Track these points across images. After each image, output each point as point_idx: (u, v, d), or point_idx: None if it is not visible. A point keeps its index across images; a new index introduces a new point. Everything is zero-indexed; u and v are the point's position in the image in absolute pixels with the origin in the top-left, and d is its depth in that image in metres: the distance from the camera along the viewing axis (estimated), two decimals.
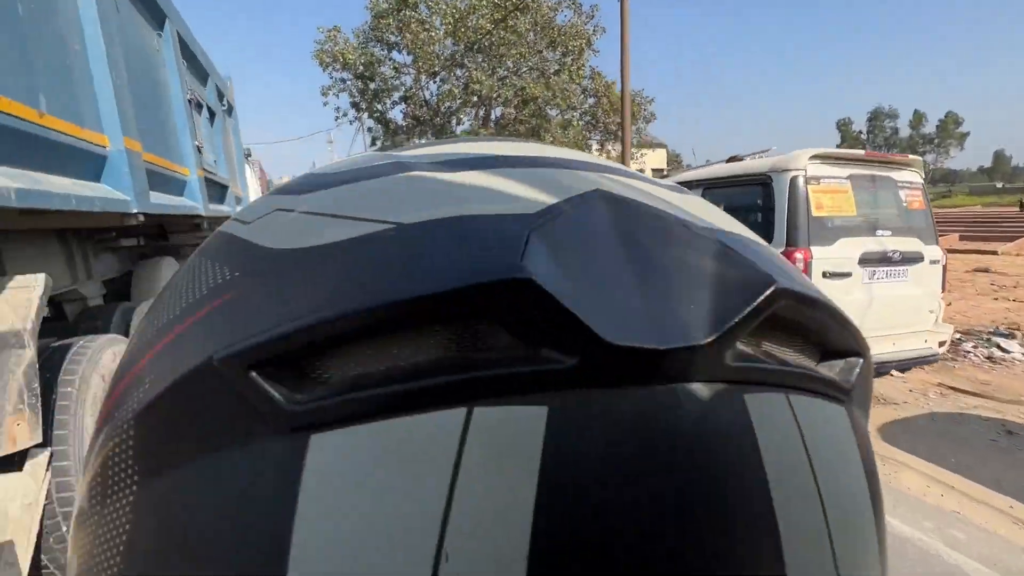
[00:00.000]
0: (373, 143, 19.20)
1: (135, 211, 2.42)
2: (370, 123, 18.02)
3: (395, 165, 0.24)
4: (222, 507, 0.16)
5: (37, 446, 1.26)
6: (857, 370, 0.22)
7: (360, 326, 0.16)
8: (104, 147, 2.28)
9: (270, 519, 0.15)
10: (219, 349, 0.17)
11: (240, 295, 0.19)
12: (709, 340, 0.16)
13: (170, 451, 0.18)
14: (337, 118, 17.17)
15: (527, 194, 0.21)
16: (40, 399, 1.27)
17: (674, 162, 35.26)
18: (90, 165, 2.21)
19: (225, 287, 0.20)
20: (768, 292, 0.18)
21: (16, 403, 1.18)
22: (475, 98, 15.18)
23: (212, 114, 5.76)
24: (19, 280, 1.34)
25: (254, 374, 0.16)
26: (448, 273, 0.16)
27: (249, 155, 9.07)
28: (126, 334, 2.43)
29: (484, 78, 13.94)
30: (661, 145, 31.27)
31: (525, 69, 14.97)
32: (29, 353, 1.24)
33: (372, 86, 16.02)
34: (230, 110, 7.25)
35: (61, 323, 2.55)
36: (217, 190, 5.46)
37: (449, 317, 0.17)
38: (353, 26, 15.67)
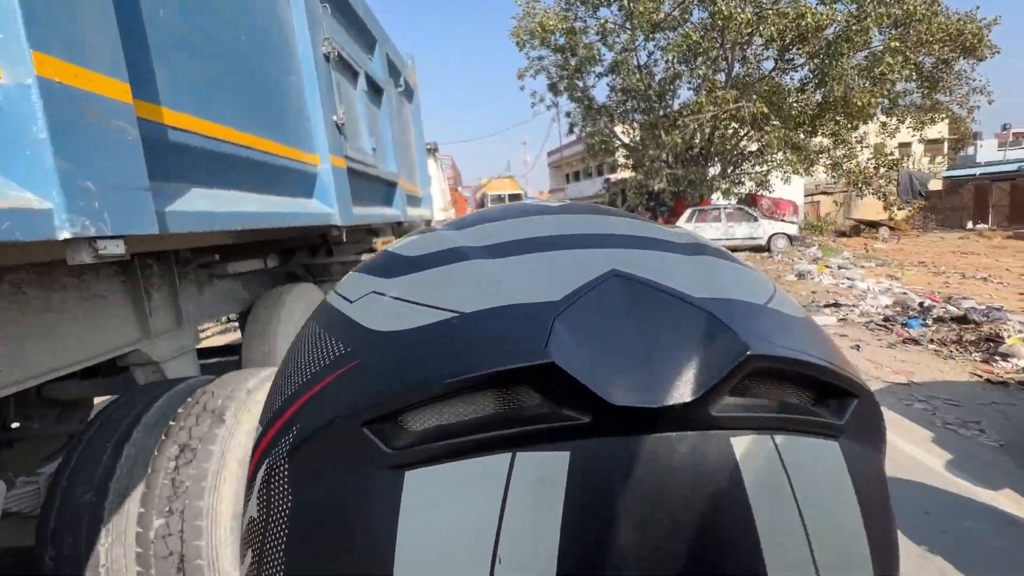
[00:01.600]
0: (571, 131, 17.45)
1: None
2: (569, 107, 16.20)
3: (452, 253, 0.31)
4: (344, 519, 0.23)
5: None
6: (851, 408, 0.26)
7: (435, 394, 0.23)
8: None
9: (380, 531, 0.22)
10: (342, 411, 0.24)
11: (354, 367, 0.26)
12: (693, 399, 0.21)
13: (312, 476, 0.25)
14: (533, 104, 16.01)
15: (555, 280, 0.26)
16: None
17: (956, 131, 24.43)
18: None
19: (343, 359, 0.27)
20: (741, 360, 0.22)
21: None
22: (714, 47, 11.67)
23: (378, 91, 4.26)
24: None
25: (366, 430, 0.23)
26: (496, 356, 0.23)
27: (435, 150, 7.87)
28: None
29: (735, 9, 10.44)
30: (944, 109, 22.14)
31: None
32: None
33: (573, 61, 14.05)
34: (409, 93, 5.89)
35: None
36: (375, 188, 3.88)
37: (496, 387, 0.23)
38: None
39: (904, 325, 5.10)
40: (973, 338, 4.47)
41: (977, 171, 19.99)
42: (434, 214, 7.86)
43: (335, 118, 2.96)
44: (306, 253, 3.60)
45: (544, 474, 0.21)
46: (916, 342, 4.72)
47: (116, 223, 1.07)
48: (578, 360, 0.22)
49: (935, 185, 20.29)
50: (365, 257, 4.07)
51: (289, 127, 2.58)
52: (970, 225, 18.50)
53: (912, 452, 2.84)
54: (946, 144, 24.22)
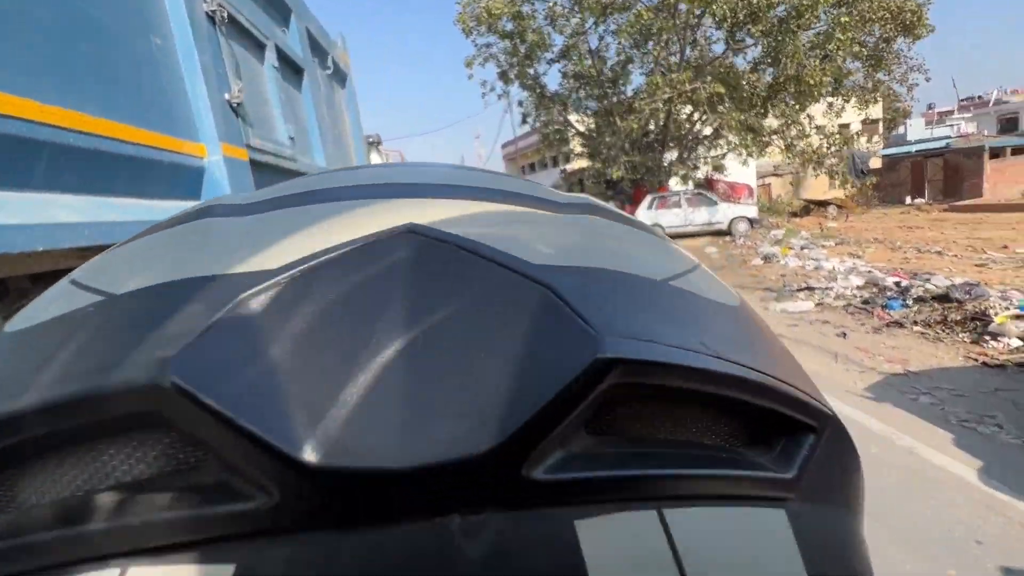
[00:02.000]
0: (524, 121, 16.99)
1: None
2: (520, 96, 15.71)
3: (200, 211, 0.21)
4: None
5: None
6: (804, 452, 0.16)
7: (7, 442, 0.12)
8: None
9: None
10: None
11: None
12: (490, 448, 0.11)
13: None
14: (484, 94, 15.36)
15: (302, 240, 0.16)
16: None
17: (890, 110, 25.23)
18: None
19: None
20: (585, 368, 0.12)
21: None
22: (666, 29, 11.39)
23: (297, 70, 3.60)
24: None
25: None
26: (77, 374, 0.12)
27: (379, 143, 7.20)
28: None
29: None
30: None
31: None
32: None
33: (522, 48, 13.54)
34: (341, 77, 5.19)
35: None
36: None
37: (82, 436, 0.12)
38: None
39: (885, 307, 4.88)
40: (959, 318, 4.26)
41: (912, 148, 20.95)
42: None
43: (228, 96, 2.31)
44: None
45: None
46: (900, 324, 4.49)
47: None
48: (247, 381, 0.11)
49: (875, 163, 21.20)
50: None
51: (157, 107, 1.93)
52: (909, 200, 19.38)
53: (940, 462, 2.49)
54: (882, 124, 25.33)
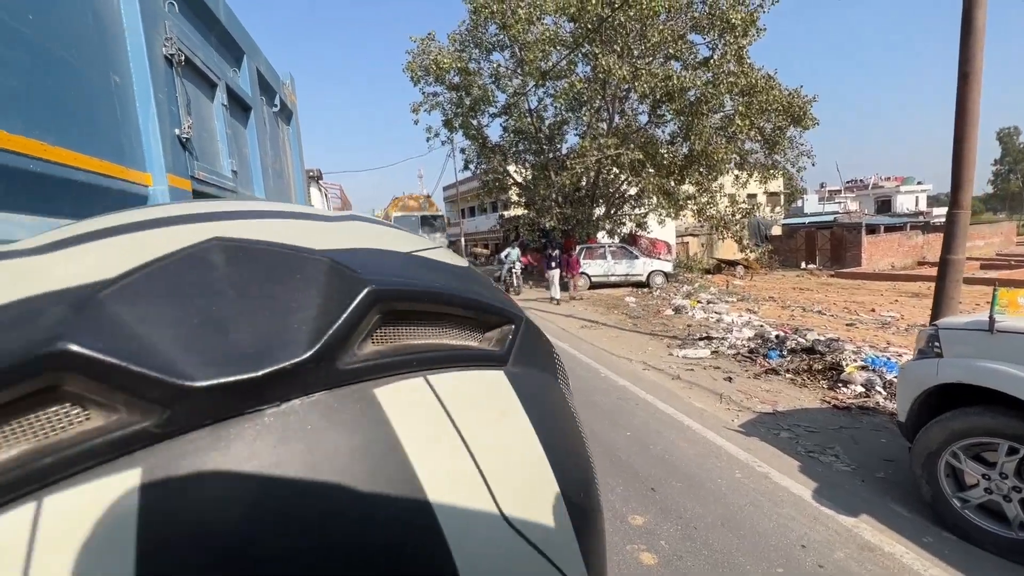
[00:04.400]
0: (466, 167, 17.64)
1: None
2: (464, 143, 16.39)
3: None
4: None
5: None
6: (508, 338, 0.25)
7: None
8: None
9: None
10: None
11: None
12: (311, 352, 0.18)
13: None
14: (429, 139, 15.90)
15: (119, 260, 0.20)
16: None
17: (790, 186, 29.27)
18: None
19: None
20: (361, 297, 0.19)
21: None
22: (597, 97, 12.55)
23: (245, 108, 3.78)
24: None
25: None
26: None
27: (319, 177, 7.33)
28: None
29: (614, 65, 11.25)
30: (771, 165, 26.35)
31: (661, 59, 12.15)
32: None
33: (467, 100, 14.30)
34: (287, 114, 5.39)
35: None
36: None
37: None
38: (450, 30, 13.76)
39: (765, 356, 5.60)
40: (820, 367, 5.01)
41: (806, 220, 23.81)
42: None
43: (178, 131, 2.49)
44: None
45: (98, 518, 0.15)
46: (776, 372, 5.18)
47: None
48: (125, 340, 0.16)
49: (776, 231, 23.84)
50: None
51: (109, 138, 2.08)
52: (803, 265, 21.81)
53: (786, 484, 2.98)
54: (783, 196, 28.76)
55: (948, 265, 4.55)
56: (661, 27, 11.63)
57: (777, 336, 6.22)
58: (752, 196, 20.41)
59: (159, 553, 0.15)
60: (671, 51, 11.99)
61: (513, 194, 17.39)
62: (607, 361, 6.10)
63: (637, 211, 16.01)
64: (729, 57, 11.61)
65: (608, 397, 4.73)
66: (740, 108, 11.65)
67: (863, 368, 4.78)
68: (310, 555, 0.16)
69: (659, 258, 15.11)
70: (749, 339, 6.47)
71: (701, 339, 6.85)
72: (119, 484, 0.15)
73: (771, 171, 14.92)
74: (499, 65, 13.78)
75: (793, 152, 15.33)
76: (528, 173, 16.35)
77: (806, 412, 4.16)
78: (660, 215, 14.69)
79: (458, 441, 0.20)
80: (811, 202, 31.67)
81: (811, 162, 15.77)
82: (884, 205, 34.47)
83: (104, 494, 0.15)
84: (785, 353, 5.56)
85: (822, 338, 5.76)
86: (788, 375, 5.05)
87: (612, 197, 15.77)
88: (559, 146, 15.54)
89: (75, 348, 0.16)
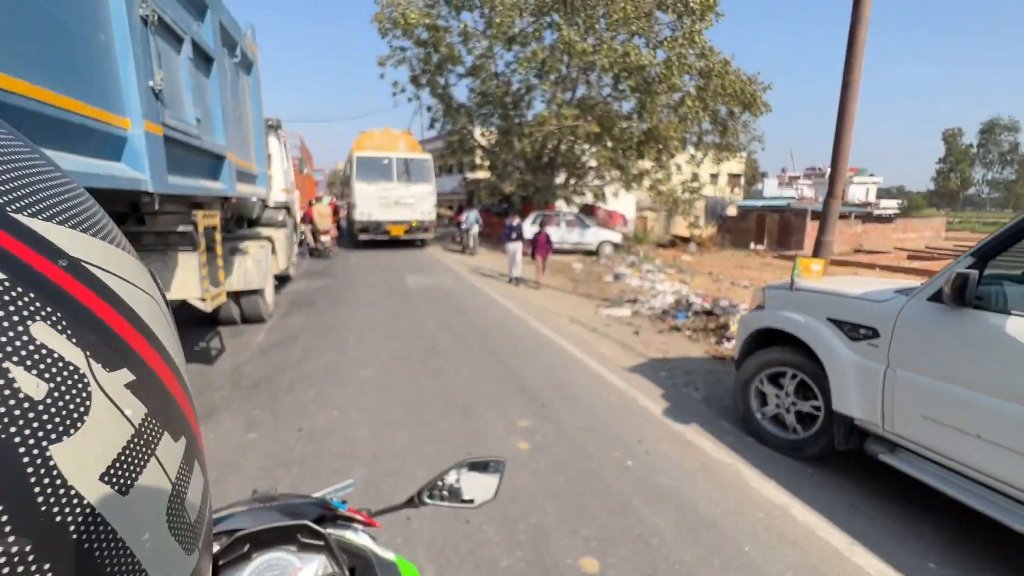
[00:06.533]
0: (431, 125, 17.75)
1: None
2: (430, 101, 16.51)
3: None
4: None
5: None
6: None
7: None
8: None
9: None
10: None
11: None
12: None
13: None
14: (395, 93, 15.95)
15: None
16: None
17: (751, 169, 30.62)
18: None
19: None
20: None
21: None
22: (561, 66, 12.97)
23: (207, 59, 4.19)
24: None
25: None
26: None
27: (278, 126, 7.63)
28: None
29: (576, 38, 11.62)
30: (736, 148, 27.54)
31: (625, 35, 12.61)
32: None
33: (435, 58, 14.41)
34: (247, 64, 5.75)
35: None
36: (198, 159, 3.85)
37: None
38: None
39: (674, 317, 6.51)
40: (713, 326, 5.94)
41: (760, 203, 25.17)
42: (273, 194, 7.60)
43: (152, 83, 2.97)
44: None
45: None
46: (678, 329, 6.09)
47: None
48: None
49: (732, 211, 25.14)
50: (183, 229, 3.98)
51: (95, 87, 2.57)
52: (753, 246, 23.25)
53: (645, 404, 3.84)
54: (743, 179, 30.06)
55: (821, 245, 5.47)
56: (624, 3, 12.07)
57: (689, 301, 7.15)
58: (715, 176, 21.39)
59: None
60: (635, 28, 12.47)
61: (477, 156, 17.72)
62: (539, 316, 6.89)
63: (596, 183, 16.70)
64: (683, 40, 12.22)
65: (530, 344, 5.52)
66: (692, 90, 12.38)
67: None
68: None
69: (615, 230, 15.97)
70: (671, 304, 7.39)
71: (627, 301, 7.73)
72: None
73: (724, 153, 15.82)
74: (466, 25, 13.91)
75: (746, 137, 16.25)
76: (493, 137, 16.68)
77: (690, 360, 5.06)
78: (616, 188, 15.45)
79: None
80: (771, 186, 33.17)
81: (761, 147, 16.78)
82: None
83: None
84: (690, 315, 6.48)
85: (722, 303, 6.71)
86: (687, 332, 5.97)
87: (573, 167, 16.38)
88: (525, 112, 15.91)
89: None
